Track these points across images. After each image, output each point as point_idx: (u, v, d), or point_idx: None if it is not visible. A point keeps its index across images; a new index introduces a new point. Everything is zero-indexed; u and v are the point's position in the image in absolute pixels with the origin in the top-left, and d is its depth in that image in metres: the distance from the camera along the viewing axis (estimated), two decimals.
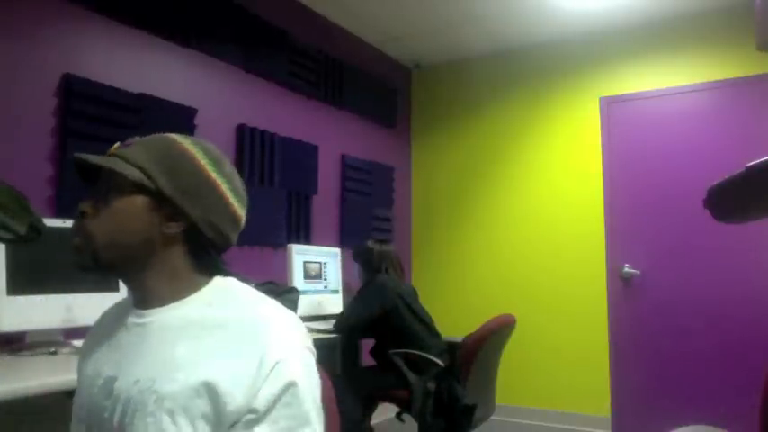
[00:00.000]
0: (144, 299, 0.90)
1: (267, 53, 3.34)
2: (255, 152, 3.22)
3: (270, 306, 0.91)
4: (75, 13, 2.45)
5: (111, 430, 0.83)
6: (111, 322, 0.96)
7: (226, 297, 0.90)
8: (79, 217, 0.88)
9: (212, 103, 3.02)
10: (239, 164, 3.14)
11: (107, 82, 2.52)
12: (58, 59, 2.38)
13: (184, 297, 0.89)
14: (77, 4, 2.45)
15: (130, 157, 0.88)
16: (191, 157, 0.90)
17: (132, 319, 0.90)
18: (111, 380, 0.86)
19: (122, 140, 0.93)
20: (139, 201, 0.87)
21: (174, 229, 0.88)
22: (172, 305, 0.88)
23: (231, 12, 3.13)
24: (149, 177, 0.87)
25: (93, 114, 2.44)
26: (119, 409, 0.83)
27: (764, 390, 1.32)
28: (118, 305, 1.01)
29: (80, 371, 0.97)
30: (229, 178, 0.94)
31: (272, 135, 3.33)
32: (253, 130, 3.22)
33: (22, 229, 0.76)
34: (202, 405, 0.78)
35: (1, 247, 1.85)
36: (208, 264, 0.92)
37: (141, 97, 2.64)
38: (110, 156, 0.89)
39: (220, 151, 0.96)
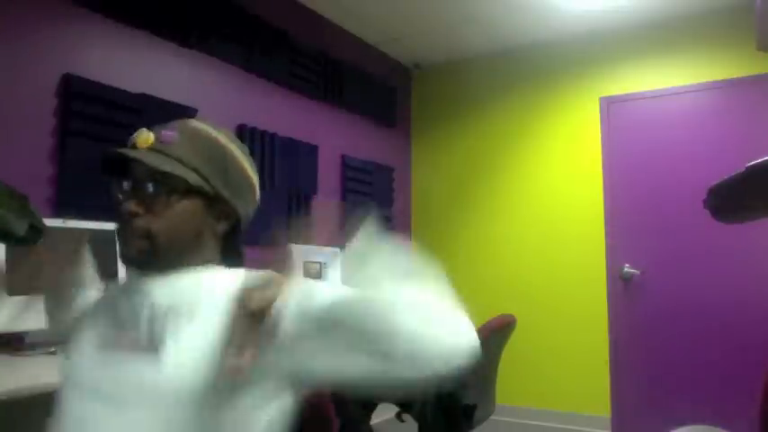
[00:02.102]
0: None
1: (267, 53, 3.34)
2: (255, 152, 3.22)
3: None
4: (75, 13, 2.45)
5: (136, 345, 0.84)
6: (118, 295, 0.97)
7: None
8: (128, 218, 0.88)
9: (212, 103, 3.02)
10: None
11: (107, 82, 2.52)
12: (58, 59, 2.37)
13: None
14: (77, 4, 2.45)
15: (183, 157, 0.89)
16: (234, 157, 0.94)
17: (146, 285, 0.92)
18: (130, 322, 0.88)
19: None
20: (197, 202, 0.91)
21: (226, 226, 0.95)
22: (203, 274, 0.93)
23: (231, 12, 3.13)
24: (206, 180, 0.90)
25: (93, 114, 2.44)
26: (145, 322, 0.84)
27: (764, 390, 1.32)
28: (119, 285, 1.03)
29: (79, 334, 0.96)
30: (254, 170, 0.99)
31: (273, 135, 3.33)
32: (253, 130, 3.22)
33: (21, 230, 0.76)
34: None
35: (1, 247, 1.85)
36: (231, 251, 0.98)
37: (141, 97, 2.64)
38: (149, 151, 0.89)
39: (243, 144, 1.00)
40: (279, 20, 3.41)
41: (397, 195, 4.45)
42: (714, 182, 1.40)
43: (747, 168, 1.30)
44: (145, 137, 0.91)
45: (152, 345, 0.82)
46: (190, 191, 0.89)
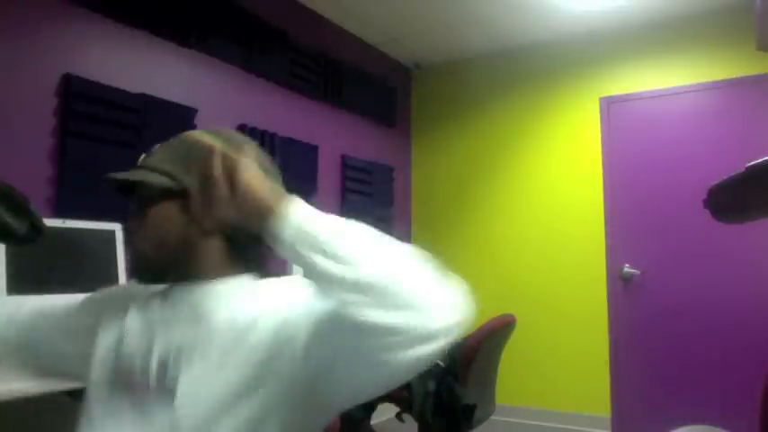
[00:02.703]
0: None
1: (267, 53, 3.34)
2: None
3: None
4: (75, 13, 2.45)
5: (146, 387, 0.84)
6: (140, 293, 0.96)
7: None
8: (130, 238, 0.94)
9: (212, 103, 3.02)
10: None
11: (107, 82, 2.52)
12: (58, 59, 2.37)
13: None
14: (77, 4, 2.45)
15: (155, 164, 0.89)
16: (207, 148, 0.89)
17: (172, 292, 0.92)
18: (149, 341, 0.87)
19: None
20: (171, 204, 0.88)
21: (212, 222, 0.88)
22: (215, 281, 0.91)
23: (231, 12, 3.13)
24: (174, 179, 0.87)
25: (93, 114, 2.44)
26: (155, 364, 0.84)
27: (764, 390, 1.32)
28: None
29: (102, 331, 0.95)
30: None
31: (273, 135, 3.33)
32: (253, 130, 3.22)
33: (22, 230, 0.76)
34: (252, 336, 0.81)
35: (1, 247, 1.85)
36: (246, 257, 0.93)
37: (141, 97, 2.64)
38: (137, 168, 0.91)
39: (242, 135, 0.99)
40: (279, 20, 3.41)
41: (397, 195, 4.45)
42: (714, 182, 1.40)
43: (747, 168, 1.30)
44: (142, 156, 0.94)
45: (164, 388, 0.82)
46: (162, 196, 0.88)
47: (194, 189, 0.85)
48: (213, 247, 0.90)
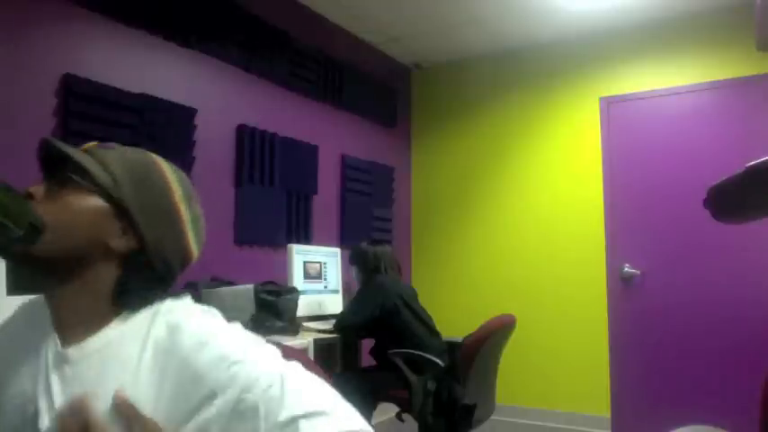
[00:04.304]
0: (60, 320, 0.82)
1: (267, 53, 3.34)
2: (255, 152, 3.22)
3: None
4: (75, 13, 2.45)
5: None
6: (28, 333, 0.86)
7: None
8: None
9: (212, 103, 3.02)
10: (239, 164, 3.14)
11: (107, 82, 2.52)
12: (58, 59, 2.38)
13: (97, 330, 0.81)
14: (77, 4, 2.45)
15: (104, 159, 0.84)
16: (165, 181, 0.87)
17: (54, 347, 0.81)
18: (32, 405, 0.79)
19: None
20: (98, 203, 0.82)
21: (122, 244, 0.82)
22: (103, 332, 0.81)
23: (231, 12, 3.13)
24: (116, 183, 0.82)
25: (93, 114, 2.44)
26: None
27: (764, 390, 1.32)
28: (31, 306, 0.91)
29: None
30: (195, 216, 0.90)
31: (272, 135, 3.33)
32: (253, 130, 3.22)
33: (21, 230, 0.76)
34: None
35: None
36: (135, 298, 0.83)
37: (141, 97, 2.64)
38: (84, 151, 0.85)
39: (193, 188, 0.92)
40: (279, 20, 3.41)
41: (397, 195, 4.45)
42: (714, 182, 1.40)
43: (747, 168, 1.30)
44: (92, 143, 0.88)
45: None
46: (96, 191, 0.82)
47: (130, 204, 0.82)
48: (108, 274, 0.82)
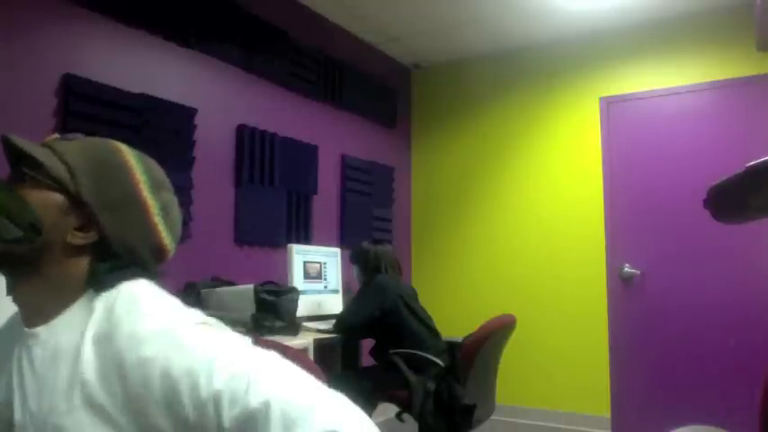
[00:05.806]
0: (27, 315, 0.82)
1: (267, 53, 3.34)
2: (255, 152, 3.22)
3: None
4: (75, 13, 2.45)
5: None
6: (5, 337, 0.87)
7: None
8: None
9: (212, 103, 3.02)
10: (239, 164, 3.14)
11: (107, 82, 2.52)
12: (58, 59, 2.38)
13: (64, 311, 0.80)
14: (77, 4, 2.45)
15: (62, 151, 0.82)
16: (127, 170, 0.84)
17: (23, 340, 0.81)
18: (8, 410, 0.79)
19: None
20: (54, 197, 0.80)
21: (81, 239, 0.80)
22: (55, 321, 0.79)
23: (231, 12, 3.13)
24: (72, 177, 0.80)
25: (93, 114, 2.44)
26: None
27: (764, 390, 1.32)
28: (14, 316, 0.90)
29: None
30: (165, 204, 0.87)
31: (272, 135, 3.33)
32: (253, 130, 3.22)
33: (21, 229, 0.76)
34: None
35: None
36: (107, 282, 0.81)
37: (141, 97, 2.64)
38: (43, 145, 0.84)
39: (165, 176, 0.89)
40: (279, 20, 3.41)
41: (397, 195, 4.45)
42: (714, 182, 1.40)
43: (747, 168, 1.30)
44: (54, 135, 0.86)
45: None
46: (53, 186, 0.80)
47: (88, 197, 0.80)
48: (76, 266, 0.81)
